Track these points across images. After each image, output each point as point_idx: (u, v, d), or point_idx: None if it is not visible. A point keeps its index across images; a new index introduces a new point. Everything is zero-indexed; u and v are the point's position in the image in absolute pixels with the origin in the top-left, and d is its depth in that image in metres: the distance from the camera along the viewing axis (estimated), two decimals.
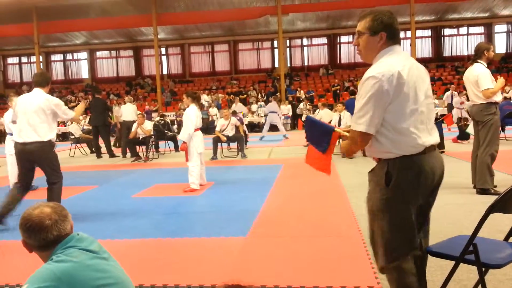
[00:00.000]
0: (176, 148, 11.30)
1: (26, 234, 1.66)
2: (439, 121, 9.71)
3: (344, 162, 8.18)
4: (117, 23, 21.66)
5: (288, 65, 25.78)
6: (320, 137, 2.26)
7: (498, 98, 5.02)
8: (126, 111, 11.69)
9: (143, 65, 27.43)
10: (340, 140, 2.41)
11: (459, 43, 25.33)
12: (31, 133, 4.43)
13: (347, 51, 25.61)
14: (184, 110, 6.47)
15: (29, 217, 1.66)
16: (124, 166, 9.37)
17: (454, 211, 4.35)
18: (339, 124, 9.36)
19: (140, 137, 10.21)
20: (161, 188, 6.50)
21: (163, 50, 26.45)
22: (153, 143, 10.59)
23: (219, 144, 9.87)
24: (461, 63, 23.78)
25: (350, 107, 9.62)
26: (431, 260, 2.87)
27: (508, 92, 14.75)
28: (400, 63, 1.91)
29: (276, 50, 25.42)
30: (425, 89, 1.98)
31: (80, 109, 5.36)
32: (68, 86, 26.97)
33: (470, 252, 1.97)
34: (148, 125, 10.43)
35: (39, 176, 4.76)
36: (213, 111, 18.96)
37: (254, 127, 18.83)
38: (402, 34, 24.66)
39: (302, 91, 21.87)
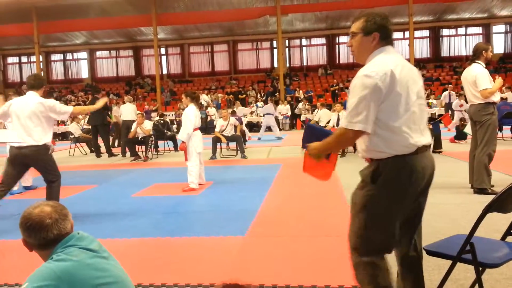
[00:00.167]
0: (176, 147, 11.30)
1: (26, 233, 1.67)
2: (436, 121, 9.74)
3: (343, 162, 8.20)
4: (117, 23, 21.65)
5: (287, 65, 25.79)
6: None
7: (496, 98, 5.04)
8: (126, 111, 11.69)
9: (143, 65, 27.43)
10: None
11: (457, 43, 25.37)
12: (26, 137, 4.36)
13: (346, 52, 25.62)
14: (183, 110, 6.49)
15: (30, 216, 1.66)
16: (123, 166, 9.37)
17: (451, 211, 4.36)
18: (338, 124, 9.38)
19: (140, 137, 10.21)
20: (160, 188, 6.50)
21: (162, 50, 26.45)
22: (153, 142, 10.59)
23: (218, 143, 9.89)
24: (459, 63, 23.80)
25: None
26: (429, 260, 2.89)
27: (504, 93, 14.76)
28: (393, 62, 1.93)
29: (275, 50, 25.43)
30: (417, 89, 1.99)
31: (99, 105, 5.23)
32: (68, 86, 26.96)
33: (467, 251, 1.98)
34: (148, 125, 10.44)
35: (39, 175, 4.76)
36: (212, 111, 18.96)
37: (253, 127, 18.84)
38: (400, 35, 24.98)
39: (301, 91, 21.88)
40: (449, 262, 2.08)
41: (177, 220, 4.56)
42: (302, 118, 19.01)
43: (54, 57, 27.91)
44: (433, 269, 2.87)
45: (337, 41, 25.75)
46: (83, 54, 27.71)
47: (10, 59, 28.12)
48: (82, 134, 12.52)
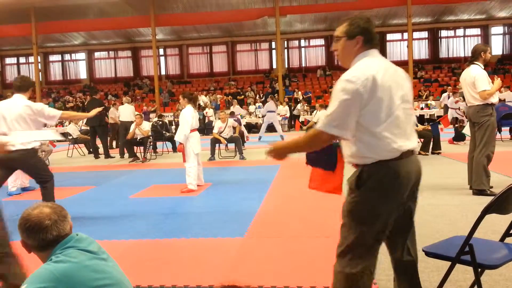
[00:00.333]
0: (174, 148, 11.30)
1: (25, 234, 1.67)
2: (435, 123, 9.76)
3: None
4: (116, 24, 21.64)
5: (286, 66, 25.81)
6: (325, 155, 2.17)
7: (495, 99, 5.05)
8: (124, 112, 11.67)
9: (141, 65, 27.41)
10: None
11: (455, 44, 25.42)
12: None
13: None
14: (181, 111, 6.51)
15: (29, 217, 1.66)
16: (122, 167, 9.36)
17: (450, 212, 4.37)
18: None
19: (138, 138, 10.21)
20: (159, 189, 6.50)
21: (161, 51, 26.43)
22: (151, 143, 10.58)
23: (217, 145, 9.88)
24: (458, 64, 23.86)
25: None
26: (428, 261, 2.89)
27: (503, 93, 14.80)
28: (375, 67, 1.91)
29: (274, 51, 25.44)
30: (402, 93, 1.96)
31: (91, 114, 5.15)
32: (66, 87, 26.92)
33: (466, 252, 1.98)
34: (146, 126, 10.43)
35: None
36: (210, 112, 18.96)
37: (252, 128, 18.84)
38: (399, 36, 25.04)
39: (299, 92, 21.90)
40: (448, 263, 2.09)
41: (175, 221, 4.55)
42: (301, 119, 19.03)
43: (52, 57, 27.87)
44: (432, 271, 2.87)
45: None
46: (82, 55, 27.68)
47: (8, 60, 28.08)
48: (80, 135, 12.50)
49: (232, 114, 14.14)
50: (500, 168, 6.37)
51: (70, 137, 12.58)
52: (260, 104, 20.41)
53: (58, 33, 23.49)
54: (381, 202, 1.92)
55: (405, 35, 22.16)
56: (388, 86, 1.89)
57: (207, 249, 3.59)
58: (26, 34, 21.54)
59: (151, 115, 18.45)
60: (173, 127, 15.88)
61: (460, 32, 25.20)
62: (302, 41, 26.14)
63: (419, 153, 8.92)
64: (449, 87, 18.29)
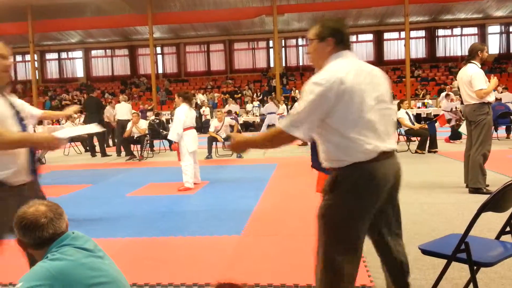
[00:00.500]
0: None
1: (21, 232, 1.66)
2: (432, 122, 9.79)
3: None
4: (113, 22, 21.57)
5: (283, 65, 25.81)
6: None
7: (491, 98, 5.06)
8: (121, 110, 11.64)
9: (138, 64, 27.35)
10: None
11: (452, 43, 25.48)
12: None
13: None
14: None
15: (24, 215, 1.65)
16: (118, 165, 9.34)
17: (446, 210, 4.38)
18: None
19: (135, 136, 10.19)
20: (155, 187, 6.49)
21: (158, 49, 26.38)
22: (148, 142, 10.57)
23: (213, 143, 9.88)
24: (455, 63, 23.92)
25: None
26: (424, 259, 2.90)
27: (500, 93, 14.84)
28: (344, 69, 1.88)
29: (271, 50, 25.42)
30: (377, 94, 1.92)
31: (66, 112, 5.15)
32: (63, 85, 26.83)
33: (462, 250, 1.99)
34: (143, 124, 10.41)
35: None
36: (206, 110, 18.95)
37: (249, 127, 18.84)
38: (396, 35, 25.07)
39: (297, 91, 21.89)
40: (444, 261, 2.09)
41: (172, 220, 4.55)
42: None
43: (49, 56, 27.76)
44: (428, 268, 2.89)
45: None
46: (78, 53, 27.58)
47: None
48: None
49: (229, 112, 14.15)
50: (496, 166, 6.40)
51: None
52: (258, 102, 20.42)
53: (55, 31, 23.39)
54: (355, 205, 1.89)
55: (402, 34, 22.18)
56: (359, 88, 1.85)
57: (204, 247, 3.59)
58: (23, 32, 21.42)
59: (148, 114, 18.42)
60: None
61: (457, 31, 25.27)
62: (300, 40, 26.13)
63: (416, 152, 8.95)
64: (448, 87, 18.33)
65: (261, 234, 3.93)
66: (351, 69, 1.89)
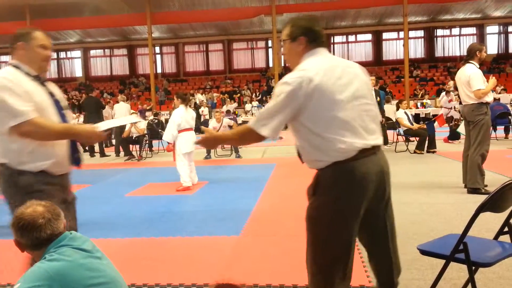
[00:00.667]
0: None
1: (19, 233, 1.66)
2: (431, 122, 9.79)
3: None
4: (111, 22, 21.54)
5: (282, 64, 25.80)
6: None
7: (490, 98, 5.07)
8: (120, 110, 11.63)
9: (137, 63, 27.33)
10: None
11: (451, 43, 25.52)
12: None
13: (340, 51, 25.70)
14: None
15: (22, 216, 1.65)
16: (117, 165, 9.33)
17: (445, 210, 4.39)
18: None
19: (134, 136, 10.18)
20: (154, 187, 6.49)
21: (157, 49, 26.36)
22: (147, 142, 10.56)
23: None
24: (453, 63, 23.96)
25: None
26: (422, 259, 2.91)
27: (499, 93, 14.87)
28: (315, 68, 1.85)
29: (270, 50, 25.43)
30: (353, 90, 1.88)
31: None
32: (61, 85, 26.77)
33: (460, 250, 1.99)
34: (142, 124, 10.40)
35: None
36: (205, 110, 18.94)
37: None
38: (395, 35, 25.08)
39: None
40: (443, 261, 2.09)
41: (171, 220, 4.55)
42: None
43: None
44: (427, 269, 2.89)
45: (331, 41, 25.80)
46: (77, 53, 27.56)
47: (3, 58, 27.91)
48: None
49: (228, 112, 14.15)
50: (494, 166, 6.40)
51: None
52: (257, 102, 20.42)
53: (53, 30, 23.31)
54: (339, 205, 1.85)
55: (401, 34, 22.19)
56: (329, 86, 1.83)
57: (202, 248, 3.59)
58: None
59: (147, 114, 18.40)
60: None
61: (455, 31, 25.31)
62: None
63: (415, 152, 8.95)
64: (446, 86, 18.34)
65: (260, 235, 3.93)
66: (322, 67, 1.87)
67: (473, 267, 2.04)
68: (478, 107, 5.00)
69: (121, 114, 11.50)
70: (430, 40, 25.38)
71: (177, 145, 6.19)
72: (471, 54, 5.08)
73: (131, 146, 10.26)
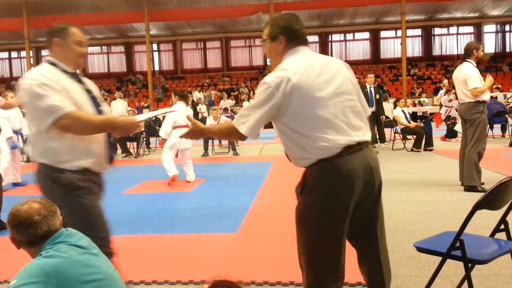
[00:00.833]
0: None
1: (15, 230, 1.65)
2: (428, 120, 9.81)
3: None
4: (109, 19, 21.46)
5: None
6: None
7: (486, 97, 5.08)
8: (117, 107, 11.61)
9: (135, 61, 27.24)
10: None
11: (449, 42, 25.55)
12: None
13: (338, 49, 25.69)
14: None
15: (18, 212, 1.64)
16: (114, 162, 9.30)
17: (441, 208, 4.40)
18: None
19: (131, 133, 10.15)
20: (151, 184, 6.48)
21: (154, 46, 26.28)
22: (144, 139, 10.54)
23: (210, 140, 9.87)
24: (451, 62, 23.99)
25: None
26: (419, 256, 2.92)
27: (495, 92, 14.91)
28: (293, 67, 1.85)
29: None
30: (334, 87, 1.86)
31: None
32: None
33: (457, 248, 2.00)
34: None
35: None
36: (203, 108, 18.93)
37: None
38: (392, 33, 25.09)
39: None
40: (439, 258, 2.10)
41: (168, 217, 4.54)
42: None
43: (44, 52, 27.55)
44: (423, 266, 2.90)
45: (329, 39, 25.80)
46: None
47: (0, 54, 27.79)
48: None
49: (225, 110, 14.14)
50: (491, 164, 6.43)
51: None
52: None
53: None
54: (326, 203, 1.84)
55: (399, 33, 22.20)
56: (308, 84, 1.82)
57: (199, 245, 3.58)
58: (18, 28, 21.29)
59: (144, 111, 18.37)
60: None
61: (453, 30, 25.33)
62: None
63: (412, 150, 8.98)
64: (443, 84, 18.36)
65: (257, 232, 3.93)
66: (301, 65, 1.86)
67: (470, 264, 2.05)
68: (475, 106, 5.02)
69: (118, 112, 11.48)
70: (427, 39, 25.40)
71: (169, 140, 6.28)
72: (468, 52, 5.09)
73: (128, 143, 10.23)
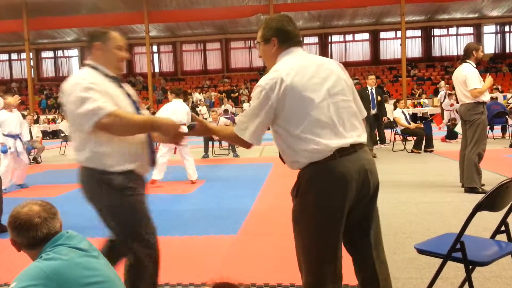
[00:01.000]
0: None
1: (15, 232, 1.65)
2: (428, 121, 9.82)
3: None
4: (109, 20, 21.45)
5: None
6: None
7: (486, 97, 5.08)
8: None
9: (135, 62, 27.26)
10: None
11: (448, 43, 25.56)
12: None
13: (337, 50, 25.71)
14: None
15: (18, 215, 1.64)
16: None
17: (442, 209, 4.40)
18: None
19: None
20: (151, 186, 6.47)
21: (154, 48, 26.30)
22: None
23: (210, 142, 9.87)
24: (451, 63, 24.00)
25: None
26: (419, 258, 2.91)
27: (495, 93, 14.91)
28: (286, 68, 1.85)
29: None
30: (327, 87, 1.85)
31: None
32: (58, 84, 26.65)
33: (457, 249, 1.99)
34: None
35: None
36: (203, 109, 18.94)
37: None
38: (392, 34, 25.10)
39: None
40: (440, 260, 2.10)
41: (168, 219, 4.54)
42: None
43: (44, 54, 27.64)
44: (424, 268, 2.89)
45: (329, 40, 25.82)
46: (74, 52, 27.47)
47: (0, 56, 27.80)
48: None
49: (226, 112, 14.14)
50: (491, 166, 6.42)
51: (63, 134, 12.50)
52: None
53: (51, 29, 23.28)
54: (319, 206, 1.82)
55: (399, 34, 22.22)
56: (303, 84, 1.81)
57: (200, 247, 3.58)
58: (18, 30, 21.32)
59: (144, 113, 18.35)
60: None
61: (453, 30, 25.35)
62: None
63: (412, 151, 8.97)
64: (446, 85, 18.36)
65: (258, 234, 3.93)
66: (294, 66, 1.85)
67: (470, 266, 2.04)
68: (475, 107, 5.02)
69: None
70: (427, 40, 25.42)
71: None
72: (468, 53, 5.09)
73: None
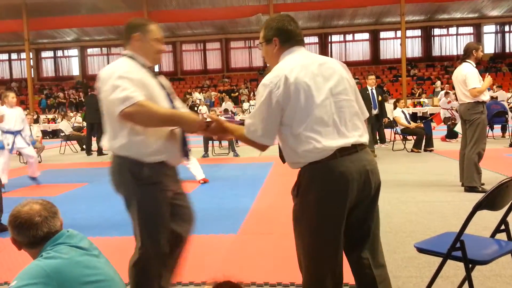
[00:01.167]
0: None
1: (15, 231, 1.65)
2: (428, 120, 9.82)
3: None
4: (108, 20, 21.48)
5: None
6: None
7: (486, 97, 5.09)
8: None
9: None
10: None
11: (448, 43, 25.57)
12: None
13: (337, 50, 25.71)
14: None
15: (18, 214, 1.65)
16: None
17: (442, 208, 4.40)
18: None
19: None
20: None
21: None
22: None
23: (210, 141, 9.87)
24: (451, 62, 24.01)
25: None
26: (419, 257, 2.92)
27: (495, 92, 14.92)
28: (289, 66, 1.85)
29: None
30: (329, 86, 1.85)
31: None
32: (58, 83, 26.71)
33: (457, 248, 2.00)
34: None
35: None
36: (203, 109, 18.93)
37: None
38: (392, 34, 25.11)
39: None
40: (440, 259, 2.10)
41: None
42: None
43: (44, 54, 27.63)
44: (424, 266, 2.90)
45: (329, 40, 25.82)
46: (74, 51, 27.46)
47: (0, 56, 27.80)
48: (72, 132, 12.41)
49: (225, 111, 14.14)
50: (491, 165, 6.43)
51: (63, 134, 12.50)
52: (253, 101, 20.40)
53: (50, 29, 23.26)
54: (319, 206, 1.81)
55: (398, 33, 22.22)
56: (305, 83, 1.81)
57: (200, 246, 3.57)
58: (18, 30, 21.30)
59: None
60: None
61: (452, 30, 25.35)
62: None
63: (412, 151, 8.97)
64: (447, 85, 18.37)
65: (258, 233, 3.93)
66: (296, 64, 1.85)
67: (470, 265, 2.05)
68: (474, 106, 5.02)
69: None
70: (427, 39, 25.42)
71: None
72: (468, 53, 5.10)
73: None
